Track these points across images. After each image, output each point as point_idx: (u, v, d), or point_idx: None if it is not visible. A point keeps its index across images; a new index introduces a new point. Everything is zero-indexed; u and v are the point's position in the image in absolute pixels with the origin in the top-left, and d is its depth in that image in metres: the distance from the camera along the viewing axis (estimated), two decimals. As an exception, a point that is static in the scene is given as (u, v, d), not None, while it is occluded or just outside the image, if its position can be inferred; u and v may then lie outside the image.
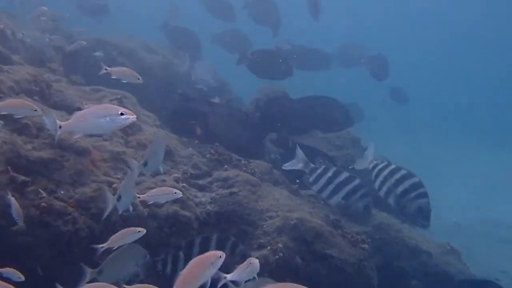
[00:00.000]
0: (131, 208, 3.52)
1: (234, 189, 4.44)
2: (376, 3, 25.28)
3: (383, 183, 4.39)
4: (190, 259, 3.55)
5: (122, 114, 3.07)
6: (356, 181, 4.66)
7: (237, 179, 4.55)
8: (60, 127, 3.11)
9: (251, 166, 4.86)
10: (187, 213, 4.08)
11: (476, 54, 25.45)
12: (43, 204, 3.47)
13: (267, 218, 4.35)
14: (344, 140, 7.10)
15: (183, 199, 4.15)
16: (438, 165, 13.13)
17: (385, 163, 4.51)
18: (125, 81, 4.01)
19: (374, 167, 4.65)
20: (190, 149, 4.99)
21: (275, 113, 5.74)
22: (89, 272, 3.21)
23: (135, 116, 3.15)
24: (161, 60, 8.42)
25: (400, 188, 4.32)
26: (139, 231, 3.22)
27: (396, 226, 5.70)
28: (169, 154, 4.67)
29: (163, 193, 3.62)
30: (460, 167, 14.22)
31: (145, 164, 3.68)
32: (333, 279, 3.07)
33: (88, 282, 3.08)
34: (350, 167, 5.28)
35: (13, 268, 2.95)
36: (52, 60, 6.54)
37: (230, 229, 4.31)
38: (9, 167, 3.50)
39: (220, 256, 2.56)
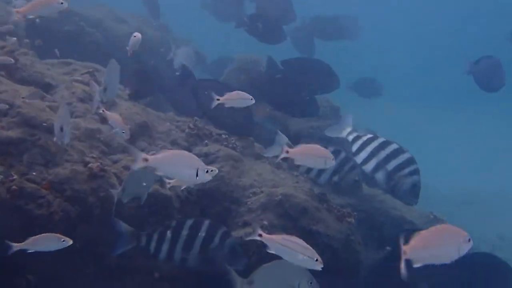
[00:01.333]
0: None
1: (216, 165, 4.26)
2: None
3: (370, 156, 4.18)
4: (177, 241, 3.46)
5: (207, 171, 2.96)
6: (343, 154, 4.49)
7: (218, 154, 4.38)
8: (146, 159, 2.93)
9: (232, 140, 4.68)
10: (168, 192, 3.89)
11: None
12: (14, 187, 3.25)
13: (251, 195, 4.20)
14: (324, 110, 6.92)
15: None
16: (410, 132, 13.10)
17: (371, 135, 4.31)
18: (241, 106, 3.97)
19: (356, 138, 4.37)
20: (168, 124, 4.78)
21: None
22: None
23: (217, 170, 3.08)
24: (130, 29, 8.10)
25: (393, 163, 4.12)
26: (63, 240, 3.01)
27: (380, 197, 5.62)
28: (145, 130, 4.46)
29: None
30: (428, 134, 14.26)
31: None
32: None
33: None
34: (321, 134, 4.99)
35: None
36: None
37: (212, 207, 4.16)
38: (-25, 149, 3.26)
39: None
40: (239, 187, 4.24)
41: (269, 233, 3.16)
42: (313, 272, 3.13)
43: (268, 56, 5.89)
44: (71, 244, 3.03)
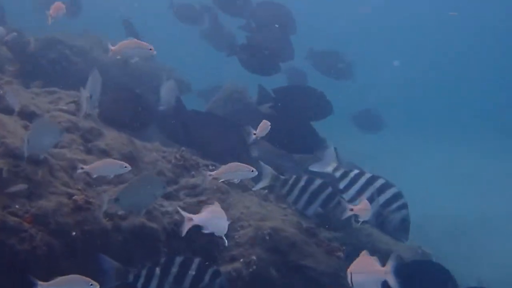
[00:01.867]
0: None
1: (203, 197, 4.21)
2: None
3: (359, 193, 4.11)
4: (166, 278, 3.35)
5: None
6: (329, 189, 4.42)
7: (206, 186, 4.31)
8: (191, 219, 3.05)
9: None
10: (154, 225, 3.81)
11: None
12: (-5, 220, 3.15)
13: (238, 228, 4.13)
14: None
15: (149, 209, 3.89)
16: (393, 160, 13.14)
17: (357, 170, 4.26)
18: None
19: (343, 175, 4.30)
20: (154, 154, 4.71)
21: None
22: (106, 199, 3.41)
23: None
24: (116, 59, 8.05)
25: (381, 199, 4.07)
26: (91, 284, 2.84)
27: (366, 230, 5.56)
28: (132, 160, 4.38)
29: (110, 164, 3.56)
30: (411, 162, 14.30)
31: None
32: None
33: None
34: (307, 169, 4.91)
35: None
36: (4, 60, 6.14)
37: (199, 241, 4.07)
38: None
39: None
40: (227, 221, 4.16)
41: (257, 268, 3.11)
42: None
43: (259, 84, 5.85)
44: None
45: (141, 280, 3.34)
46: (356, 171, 4.24)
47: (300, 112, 5.45)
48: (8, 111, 4.27)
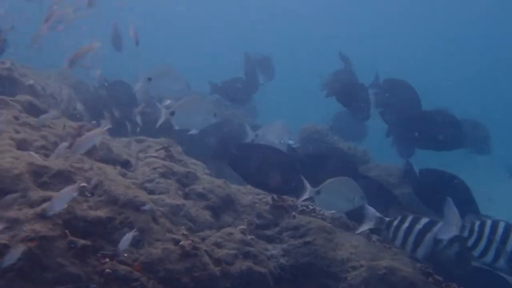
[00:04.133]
0: None
1: (308, 238, 3.97)
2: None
3: (488, 245, 3.70)
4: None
5: None
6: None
7: (310, 226, 4.08)
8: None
9: (320, 211, 4.39)
10: (262, 269, 3.59)
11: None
12: (107, 270, 3.01)
13: (349, 269, 3.85)
14: (398, 177, 6.57)
15: (255, 253, 3.69)
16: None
17: (480, 220, 3.84)
18: None
19: (471, 230, 3.89)
20: (250, 197, 4.54)
21: None
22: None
23: None
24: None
25: (510, 244, 3.66)
26: None
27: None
28: (230, 203, 4.22)
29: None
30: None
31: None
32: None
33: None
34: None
35: None
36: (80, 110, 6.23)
37: (308, 285, 3.81)
38: (66, 231, 3.05)
39: None
40: (336, 261, 3.89)
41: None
42: None
43: (407, 162, 5.59)
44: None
45: None
46: (479, 221, 3.85)
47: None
48: (102, 161, 4.23)
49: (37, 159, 3.56)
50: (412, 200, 6.02)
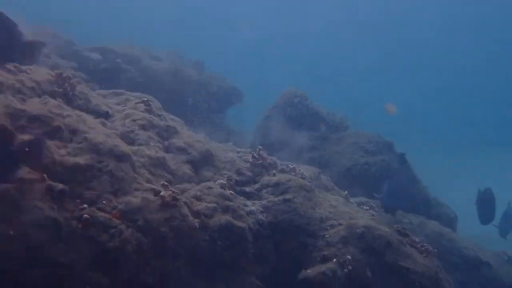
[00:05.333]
0: None
1: (288, 196, 3.95)
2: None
3: None
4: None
5: None
6: None
7: (289, 184, 4.06)
8: None
9: (300, 170, 4.38)
10: (241, 224, 3.58)
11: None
12: (85, 216, 2.96)
13: (328, 227, 3.86)
14: (377, 145, 6.61)
15: (234, 208, 3.67)
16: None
17: None
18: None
19: None
20: (231, 154, 4.50)
21: None
22: None
23: None
24: (168, 67, 8.01)
25: None
26: None
27: (448, 235, 5.24)
28: (210, 159, 4.18)
29: None
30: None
31: None
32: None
33: None
34: None
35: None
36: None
37: (287, 241, 3.82)
38: (45, 175, 2.98)
39: None
40: (315, 219, 3.90)
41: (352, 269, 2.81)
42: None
43: None
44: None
45: None
46: None
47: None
48: (81, 110, 4.13)
49: (15, 102, 3.45)
50: (389, 168, 6.09)
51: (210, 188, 3.77)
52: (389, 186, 4.65)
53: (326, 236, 3.78)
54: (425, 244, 3.95)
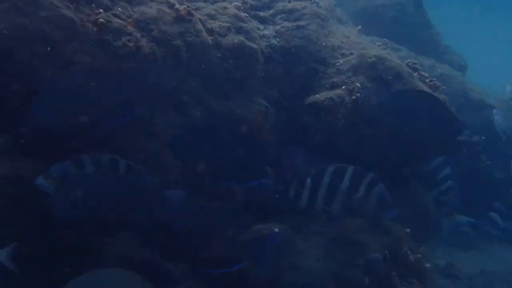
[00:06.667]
0: None
1: (302, 22, 3.93)
2: None
3: None
4: (318, 188, 3.07)
5: None
6: None
7: (304, 11, 4.02)
8: None
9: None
10: (253, 45, 3.59)
11: None
12: (101, 19, 2.96)
13: (339, 56, 3.88)
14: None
15: (248, 29, 3.66)
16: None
17: None
18: None
19: None
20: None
21: None
22: None
23: None
24: None
25: None
26: None
27: (458, 78, 5.28)
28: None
29: None
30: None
31: None
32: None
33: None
34: None
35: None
36: None
37: (297, 67, 3.86)
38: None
39: None
40: (327, 47, 3.91)
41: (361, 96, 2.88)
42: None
43: None
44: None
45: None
46: None
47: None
48: None
49: None
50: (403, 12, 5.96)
51: (225, 8, 3.73)
52: None
53: (337, 64, 3.81)
54: (434, 79, 4.00)
